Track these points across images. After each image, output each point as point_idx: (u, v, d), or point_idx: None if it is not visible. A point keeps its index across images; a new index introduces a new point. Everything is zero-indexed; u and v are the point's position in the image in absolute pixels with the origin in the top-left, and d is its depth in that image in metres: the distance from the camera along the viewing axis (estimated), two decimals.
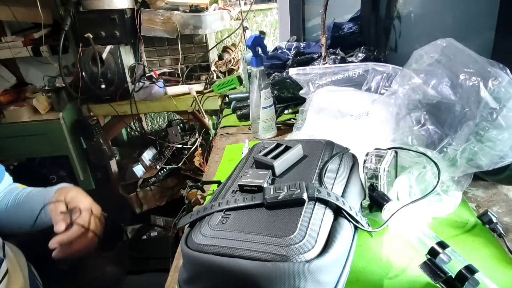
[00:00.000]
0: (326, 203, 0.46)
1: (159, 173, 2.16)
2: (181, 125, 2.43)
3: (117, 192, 2.11)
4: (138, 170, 2.15)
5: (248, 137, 1.03)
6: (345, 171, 0.55)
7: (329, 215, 0.45)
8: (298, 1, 1.59)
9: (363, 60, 1.05)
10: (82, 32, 1.72)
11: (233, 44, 2.22)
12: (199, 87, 1.85)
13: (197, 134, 2.22)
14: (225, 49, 2.15)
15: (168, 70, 1.97)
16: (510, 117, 0.55)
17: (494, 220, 0.55)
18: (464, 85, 0.60)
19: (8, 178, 0.93)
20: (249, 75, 1.22)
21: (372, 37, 1.23)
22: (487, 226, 0.55)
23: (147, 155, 2.23)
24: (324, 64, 1.08)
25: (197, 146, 2.07)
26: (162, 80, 1.87)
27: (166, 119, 2.56)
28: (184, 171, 2.16)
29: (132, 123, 2.41)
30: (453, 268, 0.45)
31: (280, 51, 1.33)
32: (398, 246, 0.55)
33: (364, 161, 0.60)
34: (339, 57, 1.09)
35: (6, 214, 0.86)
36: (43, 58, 1.91)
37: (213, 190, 0.77)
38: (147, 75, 1.90)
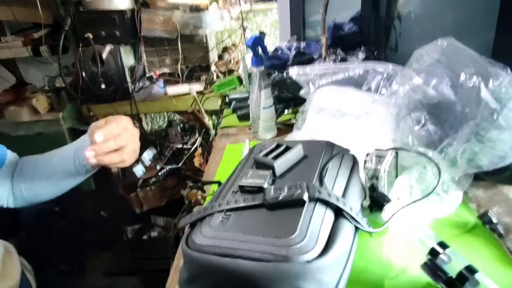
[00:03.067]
0: (326, 203, 0.46)
1: (159, 173, 2.16)
2: (181, 125, 2.42)
3: (117, 192, 2.11)
4: (138, 170, 2.15)
5: (248, 137, 1.03)
6: (345, 171, 0.55)
7: (330, 215, 0.45)
8: (298, 1, 1.58)
9: (363, 60, 1.05)
10: (82, 32, 1.71)
11: (233, 44, 2.22)
12: (199, 87, 1.85)
13: (197, 134, 2.22)
14: (225, 49, 2.15)
15: (168, 71, 1.97)
16: (510, 117, 0.55)
17: (495, 220, 0.55)
18: (464, 85, 0.60)
19: (12, 155, 0.91)
20: (249, 75, 1.22)
21: (372, 37, 1.23)
22: (488, 226, 0.56)
23: (147, 155, 2.23)
24: (324, 64, 1.08)
25: (197, 146, 2.07)
26: (162, 80, 1.87)
27: (166, 119, 2.56)
28: (184, 171, 2.16)
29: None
30: (453, 268, 0.45)
31: (280, 51, 1.33)
32: (398, 247, 0.55)
33: (365, 162, 0.60)
34: (339, 57, 1.09)
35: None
36: (43, 58, 1.91)
37: (214, 191, 0.77)
38: (147, 75, 1.90)
